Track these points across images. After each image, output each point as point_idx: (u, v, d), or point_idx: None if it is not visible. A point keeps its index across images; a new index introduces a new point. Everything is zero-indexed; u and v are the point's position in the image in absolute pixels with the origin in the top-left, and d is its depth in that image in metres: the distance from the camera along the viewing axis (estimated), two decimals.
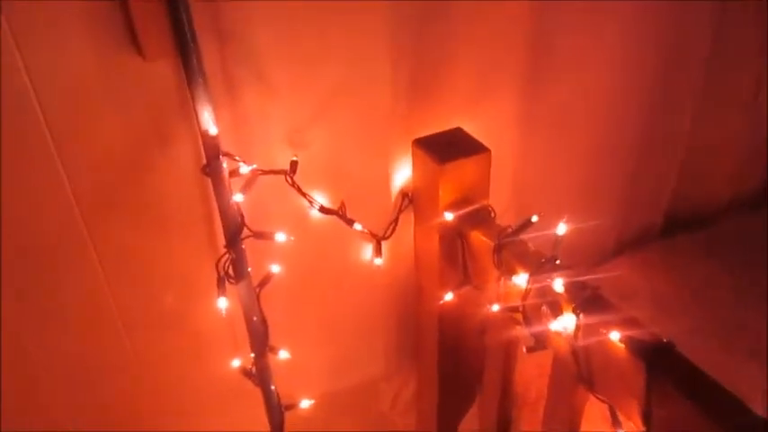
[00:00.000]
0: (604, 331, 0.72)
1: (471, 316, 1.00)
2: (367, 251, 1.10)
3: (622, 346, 0.70)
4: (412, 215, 1.07)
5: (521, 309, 0.84)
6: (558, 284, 0.78)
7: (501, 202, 1.02)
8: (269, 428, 1.06)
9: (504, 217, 0.97)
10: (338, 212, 0.97)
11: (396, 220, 1.06)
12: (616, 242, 1.37)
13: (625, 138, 1.25)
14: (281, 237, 0.85)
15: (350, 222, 0.97)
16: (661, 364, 0.67)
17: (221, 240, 0.99)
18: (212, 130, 0.74)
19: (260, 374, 0.96)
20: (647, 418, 0.68)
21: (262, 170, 0.84)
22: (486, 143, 0.97)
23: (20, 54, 0.77)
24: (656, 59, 1.19)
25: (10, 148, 0.82)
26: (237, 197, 0.82)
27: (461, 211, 0.95)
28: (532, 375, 1.08)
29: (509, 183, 1.15)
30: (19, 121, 0.81)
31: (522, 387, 1.07)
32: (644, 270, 1.26)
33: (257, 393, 1.02)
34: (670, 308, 1.18)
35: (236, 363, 0.99)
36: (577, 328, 0.76)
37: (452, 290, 1.00)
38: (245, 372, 0.97)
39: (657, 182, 1.37)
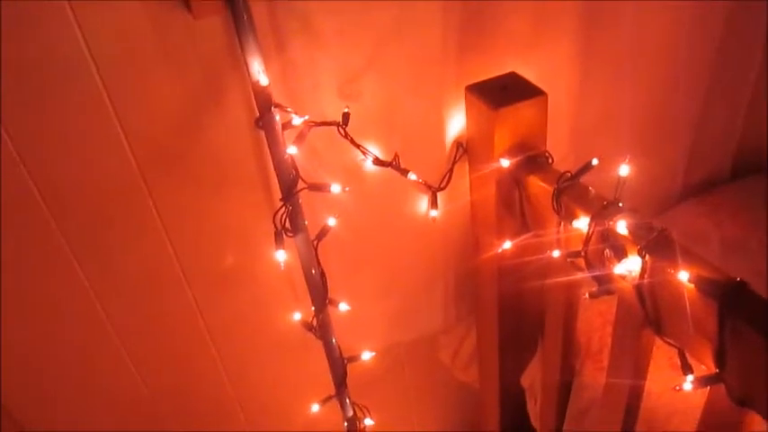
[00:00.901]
0: (673, 272, 0.69)
1: (530, 264, 0.99)
2: (422, 203, 1.09)
3: (692, 286, 0.67)
4: (467, 166, 1.05)
5: (583, 253, 0.82)
6: (622, 227, 0.76)
7: (559, 149, 0.99)
8: (331, 379, 1.07)
9: (563, 163, 0.94)
10: (392, 164, 0.96)
11: (451, 171, 1.04)
12: (683, 186, 1.32)
13: (690, 78, 1.19)
14: (336, 188, 0.85)
15: (404, 172, 0.96)
16: (733, 302, 0.64)
17: (278, 194, 1.00)
18: (263, 80, 0.73)
19: (321, 327, 0.98)
20: (720, 359, 0.66)
21: (314, 122, 0.83)
22: (542, 87, 0.94)
23: (75, 18, 0.78)
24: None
25: (69, 110, 0.84)
26: (291, 149, 0.81)
27: (518, 157, 0.92)
28: (595, 325, 1.06)
29: (567, 128, 1.12)
30: (77, 82, 0.83)
31: (584, 337, 1.05)
32: (712, 214, 1.21)
33: (319, 345, 1.04)
34: (740, 251, 1.14)
35: (297, 316, 1.00)
36: (643, 270, 0.73)
37: (510, 238, 0.99)
38: (307, 325, 0.99)
39: (725, 124, 1.30)
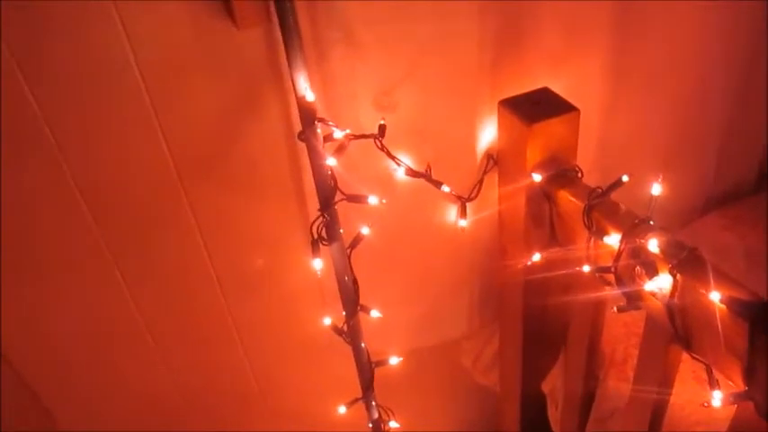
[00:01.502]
0: (704, 292, 0.71)
1: (557, 276, 1.01)
2: (451, 213, 1.11)
3: (723, 306, 0.69)
4: (496, 177, 1.07)
5: (613, 269, 0.84)
6: (654, 245, 0.78)
7: (586, 162, 1.00)
8: (358, 382, 1.10)
9: (590, 177, 0.96)
10: (425, 174, 0.98)
11: (481, 182, 1.06)
12: (707, 200, 1.33)
13: (715, 94, 1.20)
14: (373, 200, 0.87)
15: (437, 184, 0.98)
16: (764, 322, 0.66)
17: (310, 204, 1.03)
18: (309, 96, 0.76)
19: (351, 332, 1.00)
20: (749, 376, 0.68)
21: (354, 135, 0.85)
22: (572, 101, 0.96)
23: (121, 22, 0.81)
24: (751, 12, 1.13)
25: (112, 111, 0.87)
26: (330, 161, 0.84)
27: (550, 172, 0.94)
28: (619, 335, 1.08)
29: (595, 142, 1.13)
30: (120, 84, 0.85)
31: (609, 347, 1.07)
32: (736, 227, 1.23)
33: (344, 349, 1.06)
34: (764, 264, 1.15)
35: (327, 321, 1.03)
36: (674, 288, 0.75)
37: (538, 250, 1.01)
38: (337, 330, 1.01)
39: (749, 138, 1.31)
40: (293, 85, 0.77)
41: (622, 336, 1.07)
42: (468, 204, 1.07)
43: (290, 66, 0.75)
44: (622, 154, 1.16)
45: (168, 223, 1.01)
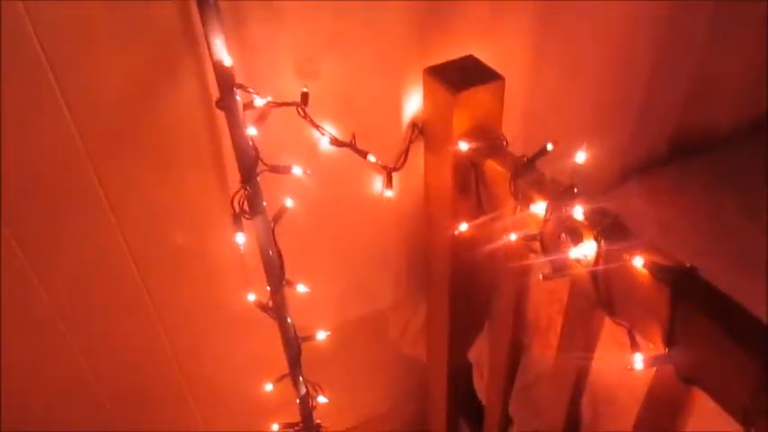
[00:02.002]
0: (628, 257, 0.72)
1: (483, 245, 1.01)
2: (377, 183, 1.09)
3: (645, 271, 0.71)
4: (422, 146, 1.06)
5: (539, 237, 0.84)
6: (579, 212, 0.78)
7: (510, 132, 1.00)
8: (285, 358, 1.07)
9: (515, 145, 0.96)
10: (350, 144, 0.95)
11: (406, 151, 1.04)
12: (621, 169, 1.37)
13: (634, 65, 1.23)
14: (297, 170, 0.84)
15: (363, 154, 0.95)
16: (685, 288, 0.68)
17: (231, 176, 0.98)
18: (227, 60, 0.71)
19: (277, 308, 0.97)
20: (670, 340, 0.70)
21: (276, 102, 0.81)
22: (497, 69, 0.95)
23: None
24: None
25: (10, 87, 0.80)
26: (251, 131, 0.80)
27: (476, 141, 0.93)
28: (542, 302, 1.10)
29: (518, 111, 1.14)
30: (18, 58, 0.78)
31: (533, 314, 1.09)
32: (651, 196, 1.27)
33: (270, 325, 1.03)
34: (677, 233, 1.19)
35: (251, 297, 0.99)
36: (598, 254, 0.76)
37: (465, 219, 1.00)
38: (262, 306, 0.98)
39: (664, 109, 1.35)
40: (209, 49, 0.72)
41: (545, 302, 1.09)
42: (394, 174, 1.05)
43: (204, 29, 0.70)
44: (545, 123, 1.17)
45: (76, 201, 0.94)
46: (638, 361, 0.73)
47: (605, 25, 1.14)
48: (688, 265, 0.70)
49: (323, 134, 0.91)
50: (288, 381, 1.10)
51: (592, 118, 1.24)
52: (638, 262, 0.71)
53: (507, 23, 1.04)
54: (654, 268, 0.70)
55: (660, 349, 0.72)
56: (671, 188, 1.30)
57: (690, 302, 0.67)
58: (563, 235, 0.81)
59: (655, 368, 0.75)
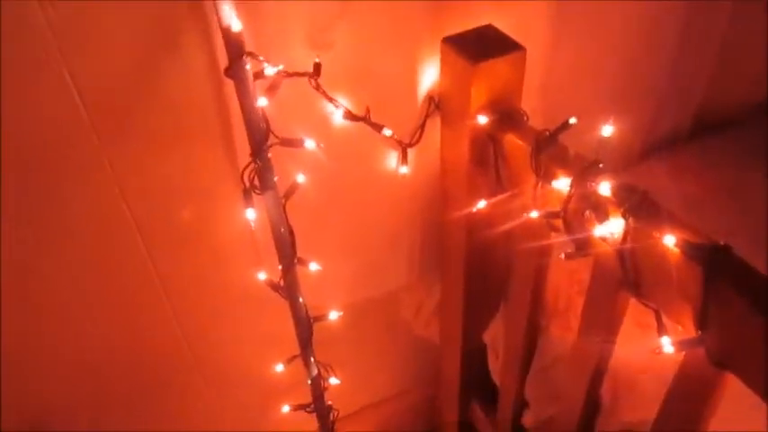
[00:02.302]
0: (658, 235, 0.68)
1: (500, 223, 0.97)
2: (391, 158, 1.05)
3: (677, 250, 0.67)
4: (437, 121, 1.02)
5: (562, 214, 0.81)
6: (605, 188, 0.75)
7: (528, 105, 0.96)
8: (295, 338, 1.05)
9: (533, 118, 0.93)
10: (365, 118, 0.91)
11: (422, 126, 1.01)
12: (643, 146, 1.33)
13: (659, 38, 1.18)
14: (310, 144, 0.80)
15: (378, 128, 0.92)
16: (719, 267, 0.64)
17: (240, 149, 0.95)
18: (235, 25, 0.67)
19: (288, 287, 0.94)
20: (702, 322, 0.66)
21: (287, 72, 0.78)
22: (516, 39, 0.91)
23: None
24: None
25: (9, 51, 0.76)
26: (262, 101, 0.76)
27: (495, 115, 0.89)
28: (562, 283, 1.06)
29: (537, 82, 1.09)
30: (19, 21, 0.75)
31: (551, 295, 1.05)
32: (674, 173, 1.23)
33: (280, 304, 1.00)
34: (701, 210, 1.15)
35: (261, 276, 0.96)
36: (626, 232, 0.72)
37: (482, 196, 0.97)
38: (273, 285, 0.95)
39: (689, 84, 1.30)
40: (217, 15, 0.68)
41: (565, 284, 1.06)
42: (408, 150, 1.02)
43: None
44: (564, 97, 1.13)
45: (80, 172, 0.90)
46: (668, 345, 0.69)
47: None
48: (722, 243, 0.66)
49: (337, 107, 0.87)
50: (299, 361, 1.08)
51: (614, 92, 1.19)
52: (669, 240, 0.67)
53: None
54: (686, 246, 0.66)
55: (691, 332, 0.69)
56: (694, 165, 1.25)
57: (724, 282, 0.64)
58: (588, 212, 0.77)
59: (684, 352, 0.72)
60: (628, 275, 0.75)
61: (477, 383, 1.32)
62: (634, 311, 0.83)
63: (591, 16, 1.07)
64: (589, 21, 1.08)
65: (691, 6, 1.17)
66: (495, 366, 1.24)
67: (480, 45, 0.89)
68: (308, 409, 1.16)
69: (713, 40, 1.26)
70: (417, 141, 1.00)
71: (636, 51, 1.16)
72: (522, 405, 1.19)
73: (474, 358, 1.28)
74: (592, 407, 0.97)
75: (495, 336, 1.22)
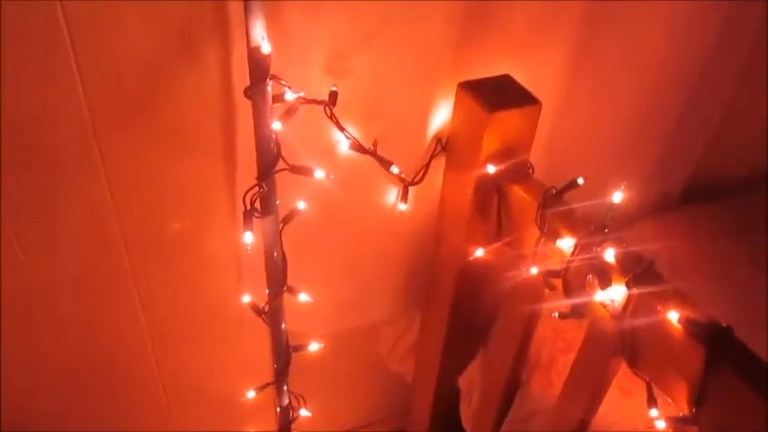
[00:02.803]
0: (661, 309, 0.68)
1: (495, 272, 0.97)
2: (390, 193, 1.04)
3: (679, 326, 0.67)
4: (441, 162, 1.01)
5: (562, 274, 0.80)
6: (610, 254, 0.74)
7: (534, 155, 0.97)
8: (270, 363, 1.02)
9: (536, 170, 0.92)
10: (373, 152, 0.90)
11: (427, 166, 1.00)
12: (636, 207, 1.34)
13: (665, 105, 1.20)
14: (320, 174, 0.79)
15: (386, 164, 0.90)
16: (721, 347, 0.64)
17: (241, 170, 0.93)
18: (265, 47, 0.66)
19: (273, 313, 0.91)
20: (698, 400, 0.66)
21: (306, 99, 0.76)
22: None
23: None
24: (710, 13, 1.12)
25: (22, 53, 0.74)
26: (276, 125, 0.74)
27: (504, 164, 0.89)
28: (547, 338, 1.06)
29: (546, 135, 1.10)
30: (37, 21, 0.72)
31: (534, 349, 1.05)
32: (664, 238, 1.23)
33: (256, 327, 0.97)
34: (690, 277, 1.16)
35: (246, 299, 0.94)
36: (628, 301, 0.72)
37: (481, 244, 0.96)
38: (257, 309, 0.92)
39: (684, 153, 1.33)
40: (246, 34, 0.67)
41: (550, 338, 1.05)
42: (409, 187, 1.01)
43: (245, 9, 0.65)
44: (568, 153, 1.13)
45: (74, 172, 0.88)
46: (660, 422, 0.69)
47: (641, 61, 1.10)
48: (724, 325, 0.66)
49: (347, 138, 0.86)
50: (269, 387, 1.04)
51: (615, 153, 1.20)
52: (673, 316, 0.67)
53: (545, 45, 1.00)
54: (689, 324, 0.66)
55: (684, 408, 0.69)
56: (684, 232, 1.27)
57: (725, 364, 0.64)
58: (590, 276, 0.77)
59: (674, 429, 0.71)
60: (625, 344, 0.74)
61: (446, 427, 1.31)
62: (620, 377, 0.82)
63: (602, 76, 1.09)
64: (600, 81, 1.09)
65: (699, 74, 1.19)
66: (466, 413, 1.22)
67: (497, 94, 0.89)
68: None
69: (716, 111, 1.29)
70: (420, 180, 0.99)
71: (642, 116, 1.18)
72: None
73: (445, 401, 1.26)
74: None
75: (471, 382, 1.20)
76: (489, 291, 1.06)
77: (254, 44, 0.66)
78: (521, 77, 0.94)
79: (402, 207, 1.01)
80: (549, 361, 1.04)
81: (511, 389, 1.07)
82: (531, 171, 0.93)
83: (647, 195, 1.34)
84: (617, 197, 0.77)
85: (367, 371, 1.38)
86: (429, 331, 1.21)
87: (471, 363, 1.21)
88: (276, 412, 1.09)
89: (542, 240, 0.83)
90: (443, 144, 0.99)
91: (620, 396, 0.91)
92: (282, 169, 0.77)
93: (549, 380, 1.02)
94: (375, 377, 1.41)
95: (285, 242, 0.90)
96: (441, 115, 0.99)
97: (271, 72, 0.70)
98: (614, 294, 0.74)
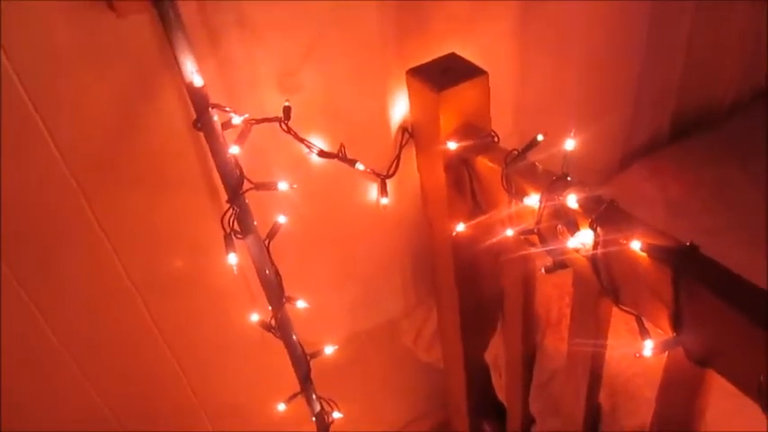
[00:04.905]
0: (625, 242, 0.70)
1: (485, 243, 0.99)
2: (372, 191, 1.07)
3: (644, 254, 0.68)
4: (413, 150, 1.04)
5: (536, 230, 0.82)
6: (572, 201, 0.76)
7: (504, 127, 0.99)
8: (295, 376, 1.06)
9: (509, 141, 0.94)
10: (338, 155, 0.94)
11: (398, 157, 1.03)
12: (623, 153, 1.34)
13: (626, 47, 1.20)
14: (283, 186, 0.83)
15: (351, 163, 0.94)
16: (686, 266, 0.65)
17: (224, 194, 0.97)
18: (197, 81, 0.70)
19: (280, 326, 0.96)
20: (676, 322, 0.67)
21: (255, 119, 0.80)
22: (482, 66, 0.93)
23: None
24: None
25: None
26: (233, 149, 0.79)
27: (465, 139, 0.92)
28: (552, 296, 1.07)
29: (510, 106, 1.12)
30: (3, 101, 0.78)
31: (543, 309, 1.06)
32: (655, 178, 1.24)
33: (278, 343, 1.02)
34: (685, 212, 1.16)
35: (254, 317, 0.98)
36: (596, 242, 0.74)
37: (463, 219, 0.99)
38: (265, 325, 0.97)
39: (662, 89, 1.32)
40: (180, 71, 0.71)
41: (555, 296, 1.07)
42: (388, 181, 1.04)
43: (173, 51, 0.70)
44: (538, 115, 1.15)
45: (72, 234, 0.93)
46: (648, 348, 0.70)
47: (592, 11, 1.11)
48: (688, 243, 0.67)
49: (309, 147, 0.90)
50: (301, 399, 1.09)
51: (586, 107, 1.21)
52: (635, 245, 0.69)
53: (489, 19, 1.02)
54: (653, 250, 0.68)
55: (668, 333, 0.70)
56: (675, 167, 1.27)
57: (693, 281, 0.65)
58: (559, 225, 0.79)
59: (666, 354, 0.73)
60: (604, 284, 0.76)
61: (484, 403, 1.33)
62: (625, 318, 0.83)
63: (555, 35, 1.10)
64: (554, 40, 1.11)
65: (654, 9, 1.19)
66: (499, 385, 1.24)
67: (444, 73, 0.92)
68: None
69: (682, 42, 1.28)
70: (394, 172, 1.03)
71: (604, 63, 1.19)
72: (529, 421, 1.19)
73: (479, 378, 1.29)
74: (593, 416, 0.98)
75: (496, 355, 1.22)
76: (488, 264, 1.08)
77: (187, 80, 0.70)
78: (470, 54, 0.96)
79: (384, 201, 1.04)
80: (559, 317, 1.05)
81: (530, 353, 1.09)
82: (495, 140, 0.95)
83: (634, 139, 1.34)
84: (569, 144, 0.79)
85: (399, 366, 1.41)
86: (445, 315, 1.23)
87: (493, 336, 1.23)
88: (312, 421, 1.13)
89: (513, 202, 0.86)
90: (410, 132, 1.02)
91: (632, 337, 0.92)
92: (248, 189, 0.82)
93: (562, 335, 1.03)
94: (407, 370, 1.43)
95: (284, 256, 0.94)
96: (401, 106, 1.02)
97: (213, 101, 0.74)
98: (584, 238, 0.76)
